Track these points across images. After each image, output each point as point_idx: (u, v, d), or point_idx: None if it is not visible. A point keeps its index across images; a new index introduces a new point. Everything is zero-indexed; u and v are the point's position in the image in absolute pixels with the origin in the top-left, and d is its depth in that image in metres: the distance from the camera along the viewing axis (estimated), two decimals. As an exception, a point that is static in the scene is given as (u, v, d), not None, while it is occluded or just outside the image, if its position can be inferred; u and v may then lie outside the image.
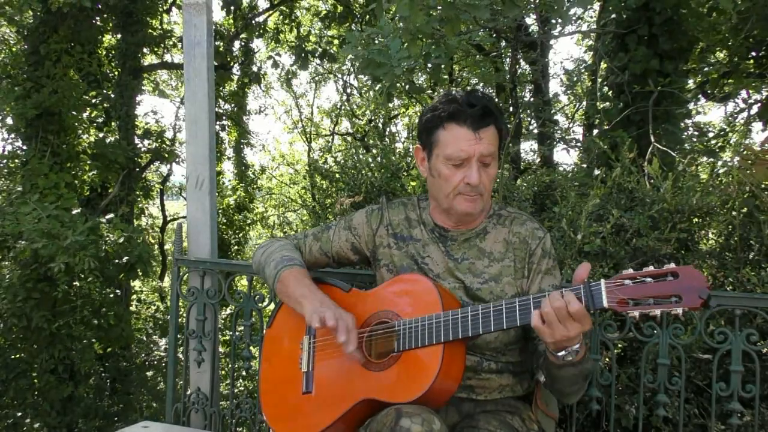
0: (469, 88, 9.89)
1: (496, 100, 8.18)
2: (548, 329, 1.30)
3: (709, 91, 4.99)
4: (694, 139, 4.69)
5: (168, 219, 11.27)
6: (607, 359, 2.23)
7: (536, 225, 1.67)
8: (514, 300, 1.40)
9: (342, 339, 1.46)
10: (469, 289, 1.61)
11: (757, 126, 5.85)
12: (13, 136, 6.39)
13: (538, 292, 1.52)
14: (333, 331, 1.48)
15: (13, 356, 6.19)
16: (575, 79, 7.21)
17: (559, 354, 1.36)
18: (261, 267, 1.79)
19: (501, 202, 1.76)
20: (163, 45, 9.11)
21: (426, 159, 1.63)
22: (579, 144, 6.25)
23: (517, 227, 1.66)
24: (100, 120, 7.70)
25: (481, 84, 9.31)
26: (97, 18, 7.39)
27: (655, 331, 1.88)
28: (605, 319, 1.98)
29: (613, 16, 4.22)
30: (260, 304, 2.37)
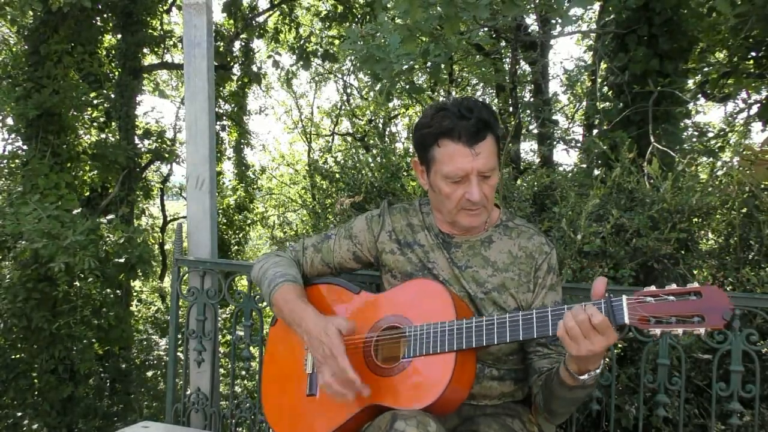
0: (469, 87, 9.91)
1: (496, 100, 8.20)
2: (573, 343, 1.28)
3: (708, 91, 4.98)
4: (694, 139, 4.69)
5: (168, 219, 11.28)
6: (607, 359, 2.23)
7: (543, 240, 1.65)
8: (532, 312, 1.38)
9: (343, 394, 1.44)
10: (474, 298, 1.58)
11: (756, 126, 5.86)
12: (13, 136, 6.39)
13: (540, 307, 1.49)
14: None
15: (13, 356, 6.19)
16: (575, 79, 7.21)
17: (581, 378, 1.34)
18: (258, 283, 1.76)
19: (503, 205, 1.75)
20: (163, 45, 9.12)
21: (425, 172, 1.59)
22: (579, 144, 6.25)
23: (524, 241, 1.63)
24: (101, 120, 7.71)
25: (481, 84, 9.32)
26: (97, 18, 7.39)
27: (655, 331, 1.87)
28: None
29: (613, 16, 4.22)
30: (260, 304, 2.37)
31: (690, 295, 1.21)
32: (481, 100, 1.58)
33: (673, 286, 1.24)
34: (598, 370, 1.34)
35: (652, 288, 1.26)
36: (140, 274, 6.27)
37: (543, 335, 1.36)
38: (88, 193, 7.40)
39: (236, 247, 10.32)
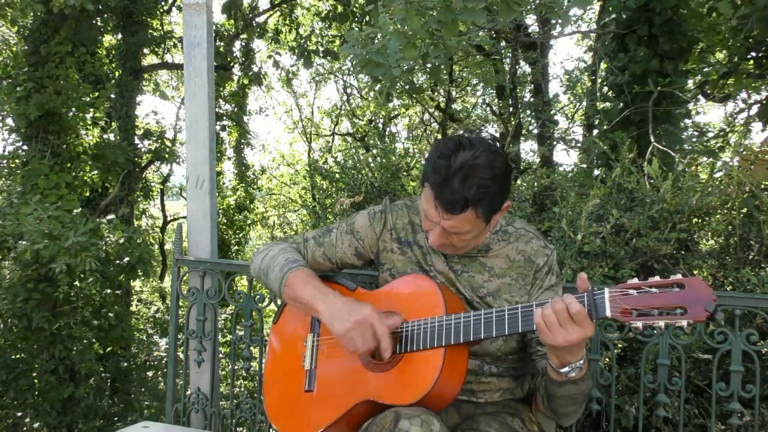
0: (469, 87, 9.87)
1: (496, 100, 8.20)
2: (548, 332, 1.29)
3: (708, 92, 4.99)
4: (694, 140, 4.69)
5: (168, 219, 11.30)
6: (607, 359, 2.23)
7: (542, 243, 1.64)
8: (517, 306, 1.39)
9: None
10: (471, 301, 1.59)
11: (756, 126, 5.86)
12: (13, 136, 6.39)
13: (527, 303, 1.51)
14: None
15: (13, 356, 6.19)
16: (575, 79, 7.22)
17: (562, 370, 1.35)
18: (263, 272, 1.72)
19: (508, 215, 1.74)
20: (163, 45, 9.12)
21: None
22: (579, 144, 6.26)
23: (522, 245, 1.62)
24: (103, 121, 7.71)
25: (481, 84, 9.33)
26: (98, 18, 7.40)
27: (655, 332, 1.87)
28: (605, 320, 1.98)
29: (613, 16, 4.23)
30: (260, 305, 2.37)
31: (673, 287, 1.20)
32: (490, 160, 1.42)
33: (657, 278, 1.23)
34: (579, 362, 1.34)
35: (635, 280, 1.25)
36: (140, 274, 6.28)
37: (528, 330, 1.37)
38: (88, 194, 7.40)
39: (236, 247, 10.33)
